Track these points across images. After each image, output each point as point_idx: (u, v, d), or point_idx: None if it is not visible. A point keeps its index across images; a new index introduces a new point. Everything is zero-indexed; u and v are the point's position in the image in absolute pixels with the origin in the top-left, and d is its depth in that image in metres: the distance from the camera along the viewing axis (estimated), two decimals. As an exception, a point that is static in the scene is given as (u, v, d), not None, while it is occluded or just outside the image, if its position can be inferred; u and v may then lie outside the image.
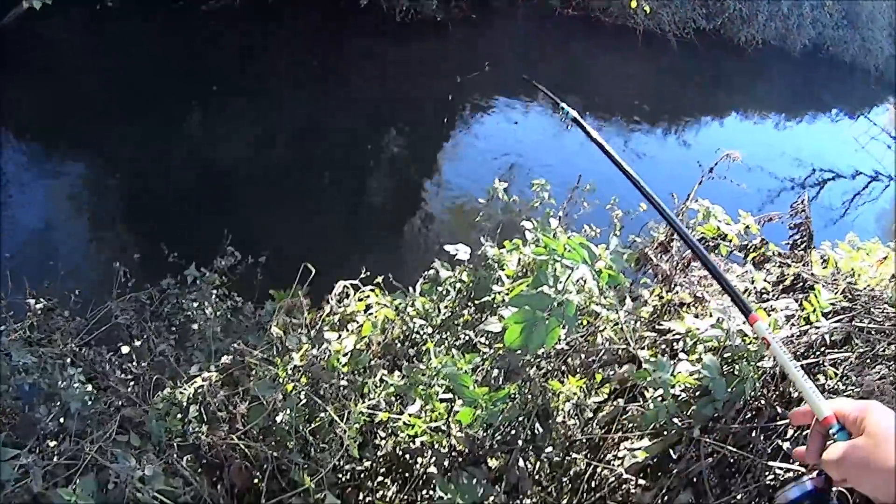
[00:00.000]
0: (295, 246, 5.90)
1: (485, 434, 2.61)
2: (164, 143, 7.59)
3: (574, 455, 2.73)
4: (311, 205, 7.26)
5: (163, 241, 3.59)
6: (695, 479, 2.39)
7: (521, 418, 2.60)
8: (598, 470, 2.63)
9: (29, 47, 8.08)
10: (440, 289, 3.05)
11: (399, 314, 3.00)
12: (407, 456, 2.70)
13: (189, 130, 8.26)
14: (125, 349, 2.95)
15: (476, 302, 2.98)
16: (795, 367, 1.22)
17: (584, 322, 2.82)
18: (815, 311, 2.45)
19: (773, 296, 2.87)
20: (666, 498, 2.41)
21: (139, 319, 3.07)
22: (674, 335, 2.73)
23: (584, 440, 2.72)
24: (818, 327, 2.45)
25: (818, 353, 2.50)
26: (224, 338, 3.13)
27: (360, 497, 2.75)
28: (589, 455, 2.70)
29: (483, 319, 2.81)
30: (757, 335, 1.39)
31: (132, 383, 2.78)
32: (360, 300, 3.02)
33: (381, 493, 2.71)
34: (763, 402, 2.42)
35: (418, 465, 2.69)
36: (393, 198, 8.05)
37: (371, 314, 2.94)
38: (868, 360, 2.39)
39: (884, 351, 2.39)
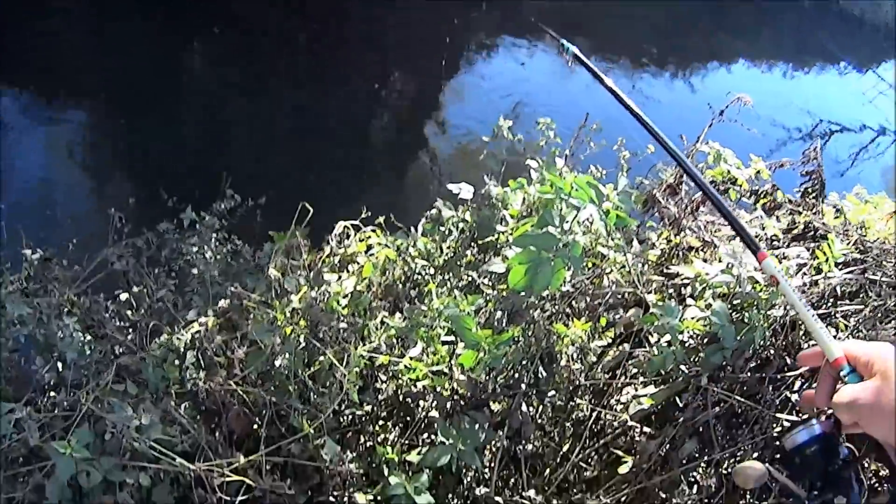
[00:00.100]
0: (296, 187, 5.84)
1: (487, 378, 2.55)
2: (162, 87, 7.47)
3: (578, 400, 2.68)
4: (312, 146, 7.15)
5: (162, 187, 3.52)
6: (701, 429, 2.33)
7: (524, 362, 2.54)
8: (602, 416, 2.59)
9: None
10: (442, 229, 2.96)
11: (400, 255, 2.91)
12: (408, 400, 2.66)
13: (188, 73, 8.12)
14: (124, 296, 2.90)
15: (479, 242, 2.90)
16: (805, 306, 1.20)
17: (590, 264, 2.75)
18: (827, 260, 2.37)
19: (784, 243, 2.79)
20: (671, 447, 2.36)
21: (136, 265, 3.00)
22: (682, 280, 2.65)
23: (589, 385, 2.66)
24: (830, 278, 2.38)
25: (830, 304, 2.44)
26: (223, 282, 3.07)
27: (361, 441, 2.72)
28: (593, 401, 2.65)
29: (486, 260, 2.74)
30: (766, 273, 1.34)
31: (129, 331, 2.74)
32: (361, 241, 2.94)
33: (382, 437, 2.68)
34: (773, 351, 2.34)
35: (420, 410, 2.65)
36: (395, 138, 7.97)
37: (372, 255, 2.87)
38: (881, 315, 2.33)
39: (896, 306, 2.33)
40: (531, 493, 2.41)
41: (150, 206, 3.74)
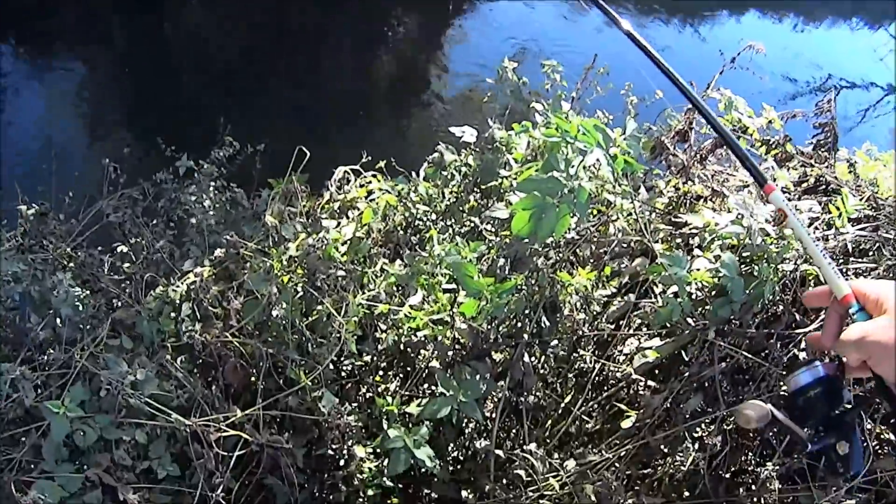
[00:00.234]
0: (296, 133, 5.73)
1: (489, 327, 2.47)
2: (160, 36, 7.33)
3: (581, 352, 2.61)
4: (313, 92, 7.00)
5: (160, 137, 3.45)
6: (706, 384, 2.26)
7: (527, 311, 2.45)
8: (606, 368, 2.52)
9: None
10: (445, 173, 2.85)
11: (401, 200, 2.81)
12: (408, 350, 2.59)
13: (186, 21, 7.97)
14: (123, 249, 2.84)
15: (482, 187, 2.79)
16: (814, 241, 1.17)
17: (596, 211, 2.65)
18: (840, 216, 2.27)
19: (795, 196, 2.70)
20: (675, 402, 2.28)
21: (132, 217, 2.93)
22: (690, 229, 2.56)
23: (592, 336, 2.58)
24: (843, 233, 2.29)
25: (841, 260, 2.36)
26: (221, 230, 3.00)
27: (360, 393, 2.66)
28: (596, 352, 2.58)
29: (489, 205, 2.65)
30: (773, 206, 1.27)
31: (125, 283, 2.68)
32: (362, 186, 2.85)
33: (381, 388, 2.62)
34: (782, 307, 2.26)
35: (420, 360, 2.59)
36: (397, 82, 7.80)
37: (372, 201, 2.78)
38: (894, 274, 2.24)
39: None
40: (532, 446, 2.35)
41: (149, 156, 3.67)
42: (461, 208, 2.85)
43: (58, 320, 2.38)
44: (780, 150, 3.01)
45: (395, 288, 2.57)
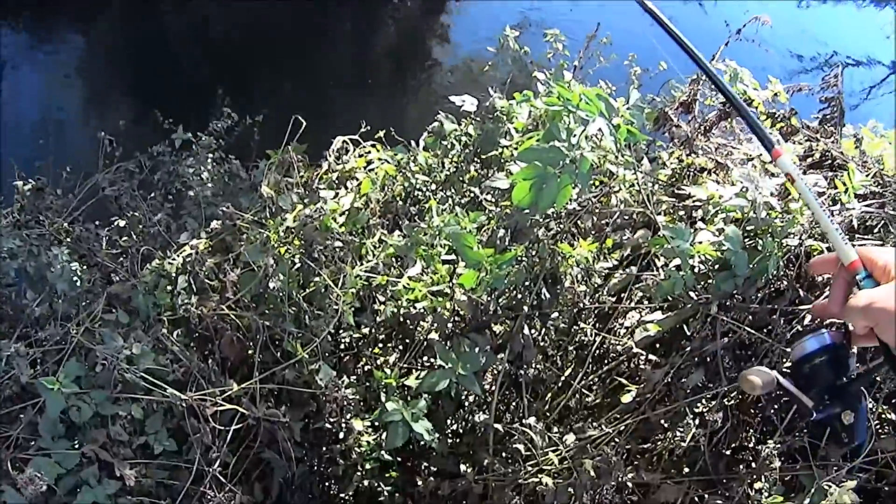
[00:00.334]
0: (295, 104, 5.65)
1: (489, 299, 2.42)
2: (159, 8, 7.23)
3: (581, 324, 2.57)
4: (311, 62, 6.90)
5: (158, 109, 3.39)
6: (708, 360, 2.21)
7: (527, 283, 2.40)
8: (607, 342, 2.48)
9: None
10: (445, 143, 2.77)
11: (400, 170, 2.74)
12: (407, 322, 2.54)
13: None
14: (121, 223, 2.80)
15: (482, 157, 2.72)
16: (821, 206, 1.15)
17: (598, 181, 2.59)
18: (846, 191, 2.21)
19: (801, 169, 2.64)
20: (676, 377, 2.23)
21: (128, 190, 2.89)
22: (693, 202, 2.51)
23: (593, 309, 2.53)
24: (849, 209, 2.24)
25: (847, 237, 2.30)
26: (219, 202, 2.95)
27: (358, 366, 2.62)
28: (597, 325, 2.53)
29: (490, 175, 2.59)
30: (781, 171, 1.22)
31: (121, 258, 2.64)
32: (361, 156, 2.79)
33: (380, 361, 2.58)
34: (786, 283, 2.20)
35: (419, 332, 2.54)
36: (397, 51, 7.68)
37: (371, 171, 2.72)
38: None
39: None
40: (531, 419, 2.31)
41: (148, 129, 3.61)
42: (461, 178, 2.78)
43: (54, 296, 2.36)
44: (786, 124, 2.94)
45: (393, 259, 2.51)
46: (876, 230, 2.32)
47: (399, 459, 2.53)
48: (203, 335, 2.36)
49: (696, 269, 2.22)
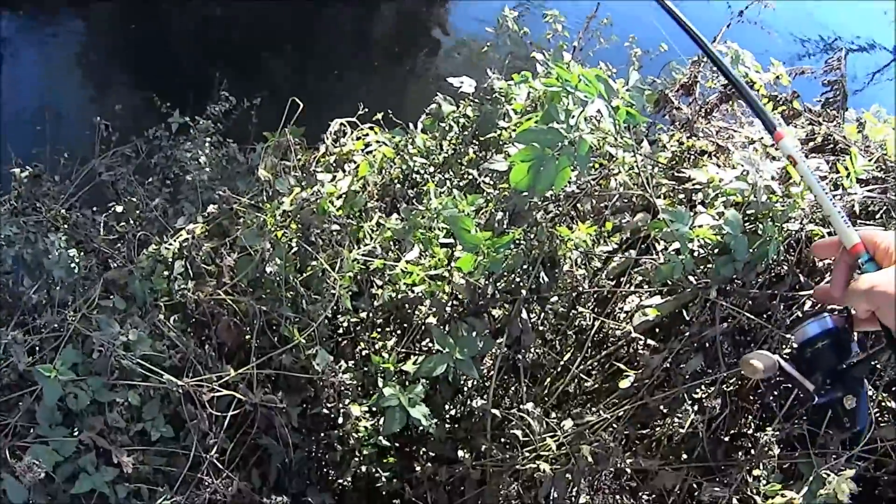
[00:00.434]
0: (293, 88, 5.60)
1: (487, 282, 2.39)
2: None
3: (580, 308, 2.53)
4: (308, 44, 6.83)
5: (156, 94, 3.35)
6: (707, 345, 2.17)
7: (525, 266, 2.36)
8: (605, 326, 2.45)
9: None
10: (443, 125, 2.73)
11: (398, 153, 2.69)
12: (404, 306, 2.51)
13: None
14: (118, 209, 2.77)
15: (481, 139, 2.68)
16: (824, 189, 1.11)
17: (597, 164, 2.54)
18: (849, 175, 2.15)
19: (803, 153, 2.59)
20: (674, 362, 2.20)
21: (125, 175, 2.86)
22: (693, 185, 2.46)
23: (592, 293, 2.49)
24: (851, 194, 2.19)
25: (849, 220, 2.26)
26: (216, 186, 2.92)
27: (356, 351, 2.59)
28: (596, 309, 2.49)
29: (488, 157, 2.56)
30: (783, 153, 1.19)
31: (118, 243, 2.61)
32: (358, 139, 2.75)
33: (377, 345, 2.55)
34: (786, 268, 2.16)
35: (416, 316, 2.51)
36: (395, 33, 7.62)
37: (369, 153, 2.68)
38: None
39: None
40: (529, 405, 2.28)
41: (146, 114, 3.58)
42: (459, 161, 2.74)
43: (51, 283, 2.34)
44: (788, 107, 2.89)
45: (391, 243, 2.48)
46: (878, 215, 2.28)
47: (397, 445, 2.50)
48: (200, 320, 2.33)
49: (695, 254, 2.18)
